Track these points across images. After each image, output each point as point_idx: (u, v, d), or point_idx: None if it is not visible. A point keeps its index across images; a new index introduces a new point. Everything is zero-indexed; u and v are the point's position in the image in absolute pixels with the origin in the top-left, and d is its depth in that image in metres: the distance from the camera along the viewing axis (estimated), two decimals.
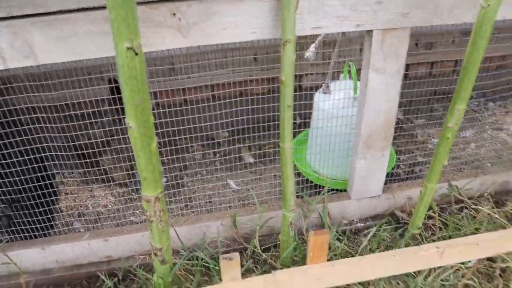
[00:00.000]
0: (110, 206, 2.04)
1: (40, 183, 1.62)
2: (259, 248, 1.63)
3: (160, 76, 2.18)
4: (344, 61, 2.00)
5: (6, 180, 1.55)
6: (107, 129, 1.89)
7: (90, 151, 1.90)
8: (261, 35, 1.27)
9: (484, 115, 2.64)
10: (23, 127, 1.56)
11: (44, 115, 1.57)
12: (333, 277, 1.29)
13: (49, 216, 1.67)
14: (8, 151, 1.52)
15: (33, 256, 1.61)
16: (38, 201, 1.63)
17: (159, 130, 1.64)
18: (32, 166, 1.59)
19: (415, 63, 2.57)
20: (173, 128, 1.67)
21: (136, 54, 0.90)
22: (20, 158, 1.54)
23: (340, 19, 1.30)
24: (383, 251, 1.49)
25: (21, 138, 1.55)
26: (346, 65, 1.96)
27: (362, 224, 1.80)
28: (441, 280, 1.51)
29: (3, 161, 1.53)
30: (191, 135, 2.29)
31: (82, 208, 2.01)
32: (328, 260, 1.29)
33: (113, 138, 1.93)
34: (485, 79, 2.40)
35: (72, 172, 2.21)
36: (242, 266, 1.56)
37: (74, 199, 2.06)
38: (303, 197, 1.72)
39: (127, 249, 1.66)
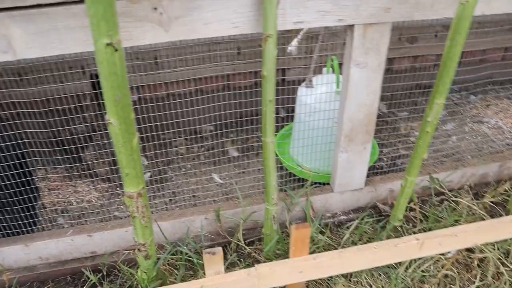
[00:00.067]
0: (94, 202, 2.03)
1: (21, 180, 1.60)
2: (243, 242, 1.65)
3: (144, 71, 2.16)
4: (327, 55, 2.01)
5: None
6: (89, 124, 1.87)
7: (73, 146, 1.88)
8: (243, 29, 1.27)
9: (465, 108, 2.68)
10: (3, 123, 1.54)
11: (24, 110, 1.55)
12: (315, 270, 1.31)
13: (32, 212, 1.65)
14: None
15: (16, 253, 1.60)
16: (20, 197, 1.61)
17: (143, 125, 1.64)
18: (13, 162, 1.57)
19: (399, 57, 2.59)
20: (157, 123, 1.67)
21: (116, 50, 0.89)
22: (1, 155, 1.52)
23: (322, 13, 1.30)
24: (365, 243, 1.51)
25: (1, 134, 1.52)
26: (329, 59, 1.97)
27: (345, 217, 1.82)
28: (422, 271, 1.55)
29: None
30: (175, 129, 2.28)
31: (65, 204, 2.00)
32: (311, 253, 1.31)
33: (95, 133, 1.92)
34: (466, 72, 2.43)
35: (55, 168, 2.18)
36: (226, 260, 1.57)
37: (57, 195, 2.04)
38: (286, 190, 1.73)
39: (111, 245, 1.66)
